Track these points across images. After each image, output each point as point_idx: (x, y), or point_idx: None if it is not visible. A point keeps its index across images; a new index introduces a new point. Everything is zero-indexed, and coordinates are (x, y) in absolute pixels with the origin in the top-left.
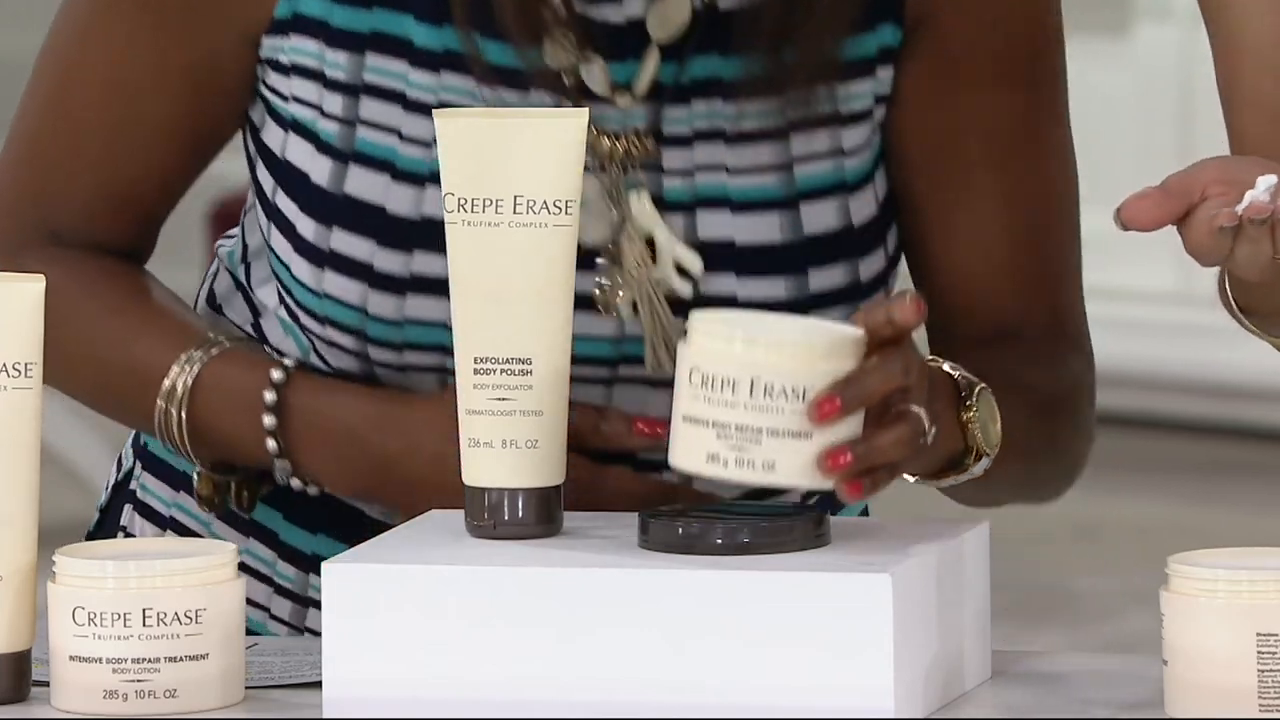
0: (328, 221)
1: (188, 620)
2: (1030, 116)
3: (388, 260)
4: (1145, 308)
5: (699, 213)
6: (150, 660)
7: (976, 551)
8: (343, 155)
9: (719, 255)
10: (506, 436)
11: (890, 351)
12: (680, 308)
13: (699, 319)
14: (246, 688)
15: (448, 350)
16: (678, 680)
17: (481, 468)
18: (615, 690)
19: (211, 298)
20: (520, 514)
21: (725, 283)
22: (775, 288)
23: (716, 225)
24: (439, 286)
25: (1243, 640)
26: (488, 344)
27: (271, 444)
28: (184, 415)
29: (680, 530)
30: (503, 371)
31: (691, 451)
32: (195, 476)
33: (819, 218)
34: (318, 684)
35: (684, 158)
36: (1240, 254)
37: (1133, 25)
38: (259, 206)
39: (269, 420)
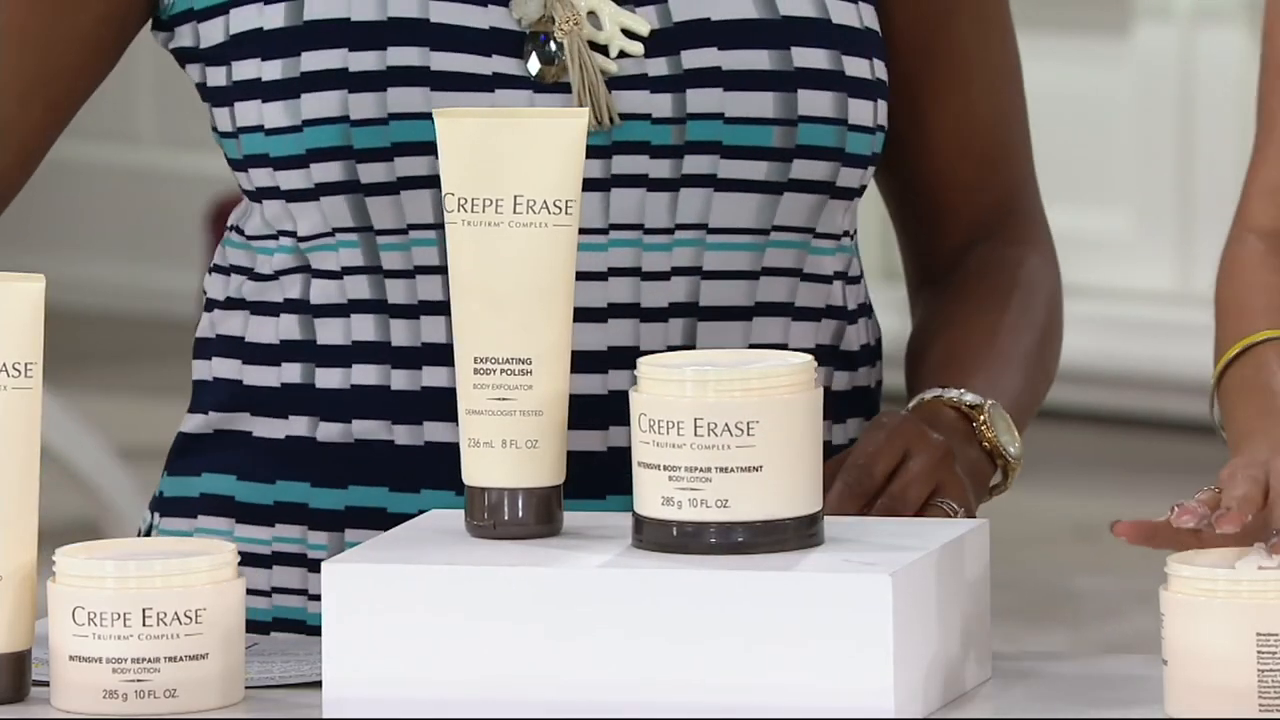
0: (295, 52)
1: (188, 620)
2: None
3: (361, 60)
4: (1145, 308)
5: (670, 0)
6: (150, 660)
7: (976, 551)
8: None
9: (697, 31)
10: (506, 436)
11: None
12: (623, 82)
13: (645, 364)
14: (246, 688)
15: (436, 150)
16: (678, 680)
17: (481, 468)
18: (615, 690)
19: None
20: (520, 514)
21: (708, 55)
22: (759, 59)
23: (690, 7)
24: (418, 77)
25: (1243, 640)
26: (488, 344)
27: None
28: None
29: (675, 530)
30: (503, 371)
31: (648, 497)
32: None
33: (793, 3)
34: (318, 684)
35: None
36: None
37: (1133, 25)
38: (215, 113)
39: None
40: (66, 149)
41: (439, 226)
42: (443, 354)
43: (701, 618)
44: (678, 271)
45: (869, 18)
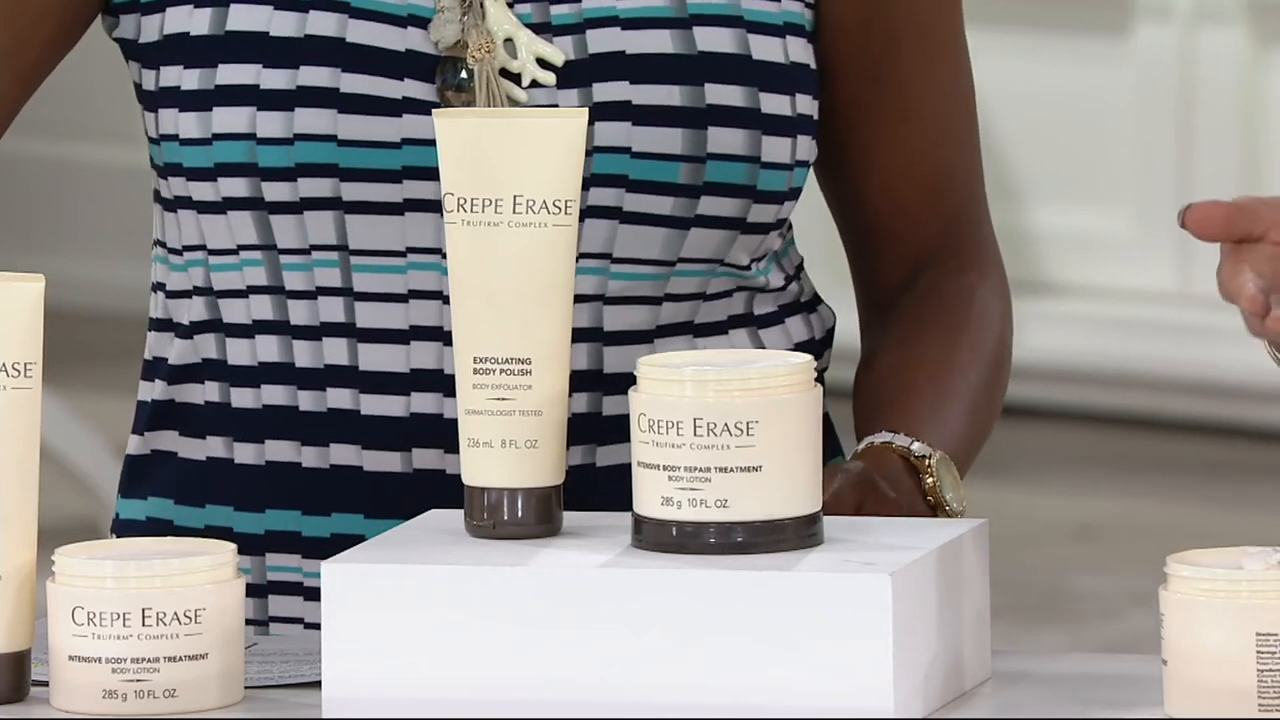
0: (212, 62)
1: (187, 620)
2: (952, 15)
3: (273, 78)
4: (1145, 308)
5: (588, 32)
6: (150, 660)
7: (976, 551)
8: None
9: (610, 65)
10: (506, 436)
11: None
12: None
13: (645, 364)
14: (246, 688)
15: (340, 173)
16: (678, 680)
17: (481, 467)
18: (615, 690)
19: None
20: (520, 514)
21: (619, 89)
22: (670, 94)
23: (606, 40)
24: (326, 98)
25: (1243, 640)
26: (487, 344)
27: None
28: None
29: (674, 530)
30: (502, 371)
31: (648, 497)
32: None
33: (713, 39)
34: (317, 684)
35: None
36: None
37: (1133, 25)
38: (145, 116)
39: None
40: (66, 149)
41: (341, 248)
42: (346, 376)
43: (701, 618)
44: (580, 299)
45: (797, 52)
